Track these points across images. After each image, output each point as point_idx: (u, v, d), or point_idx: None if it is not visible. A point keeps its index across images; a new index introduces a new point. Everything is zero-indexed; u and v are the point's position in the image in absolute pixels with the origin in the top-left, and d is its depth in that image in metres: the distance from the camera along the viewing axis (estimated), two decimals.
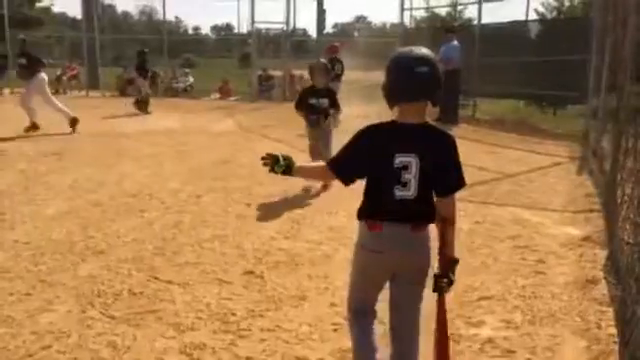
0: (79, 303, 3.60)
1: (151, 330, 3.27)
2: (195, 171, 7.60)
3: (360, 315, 2.59)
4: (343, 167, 2.43)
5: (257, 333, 3.26)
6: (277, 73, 20.28)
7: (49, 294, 3.72)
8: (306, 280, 3.99)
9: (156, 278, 4.00)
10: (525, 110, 14.67)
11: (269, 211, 5.62)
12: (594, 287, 3.87)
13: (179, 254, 4.48)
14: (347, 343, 2.93)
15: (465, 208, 5.84)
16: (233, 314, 3.47)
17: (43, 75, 10.78)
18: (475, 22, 15.02)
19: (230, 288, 3.87)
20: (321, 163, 2.60)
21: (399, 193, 2.30)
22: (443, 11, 18.97)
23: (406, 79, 2.27)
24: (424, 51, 2.31)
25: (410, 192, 2.30)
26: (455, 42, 12.48)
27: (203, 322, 3.37)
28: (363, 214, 2.42)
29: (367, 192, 2.41)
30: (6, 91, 19.12)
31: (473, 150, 9.23)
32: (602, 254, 4.42)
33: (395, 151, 2.29)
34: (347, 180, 2.44)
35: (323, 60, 6.76)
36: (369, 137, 2.37)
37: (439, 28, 15.00)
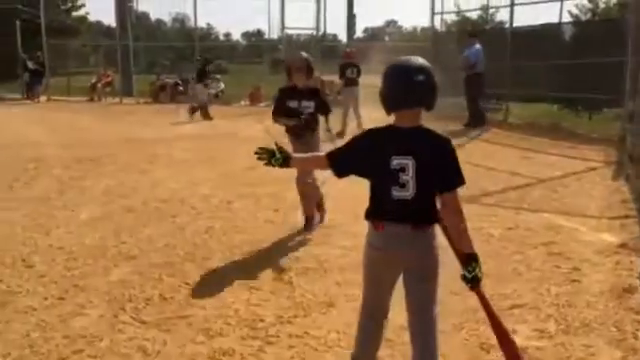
0: (111, 307, 3.65)
1: (181, 335, 3.30)
2: (225, 177, 7.66)
3: (367, 316, 2.67)
4: (340, 161, 2.57)
5: (285, 339, 3.26)
6: None
7: (82, 298, 3.78)
8: (335, 287, 3.98)
9: (187, 283, 4.04)
10: (559, 114, 14.40)
11: (299, 217, 5.62)
12: (631, 296, 3.77)
13: (209, 260, 4.52)
14: None
15: (496, 214, 5.76)
16: (262, 320, 3.48)
17: None
18: (507, 25, 14.80)
19: (259, 294, 3.88)
20: (319, 153, 2.73)
21: (397, 194, 2.40)
22: (474, 14, 18.73)
23: (404, 87, 2.38)
24: (420, 61, 2.42)
25: (408, 193, 2.39)
26: (477, 46, 12.37)
27: (232, 328, 3.39)
28: (369, 214, 2.53)
29: (370, 193, 2.52)
30: (43, 98, 19.61)
31: (505, 155, 9.11)
32: (639, 262, 4.30)
33: (392, 153, 2.40)
34: (340, 174, 2.59)
35: (304, 53, 5.43)
36: (368, 139, 2.51)
37: (478, 31, 14.85)
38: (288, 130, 5.31)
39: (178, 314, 3.57)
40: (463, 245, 2.44)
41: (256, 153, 2.65)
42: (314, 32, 19.97)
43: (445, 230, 2.51)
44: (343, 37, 26.31)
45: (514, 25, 14.08)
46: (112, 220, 5.58)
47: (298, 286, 4.01)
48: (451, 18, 18.88)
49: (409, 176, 2.37)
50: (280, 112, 5.32)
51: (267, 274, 4.23)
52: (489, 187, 6.84)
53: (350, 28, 23.16)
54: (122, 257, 4.55)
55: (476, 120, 12.38)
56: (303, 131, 5.15)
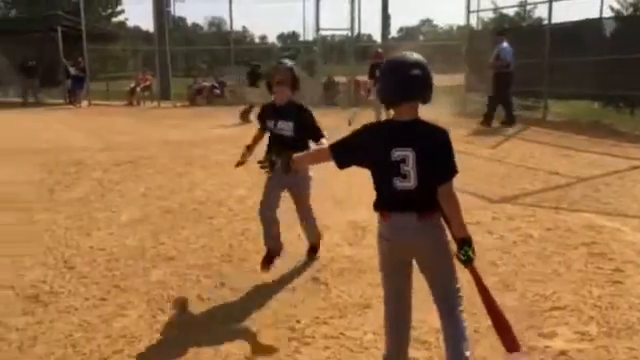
0: (150, 308, 3.72)
1: (218, 336, 3.34)
2: (261, 178, 7.69)
3: (389, 309, 2.74)
4: (342, 152, 2.68)
5: (321, 340, 3.27)
6: (341, 79, 20.34)
7: (122, 299, 3.86)
8: (370, 288, 3.96)
9: (223, 284, 4.09)
10: (600, 111, 14.05)
11: (334, 218, 5.61)
12: None
13: (246, 261, 4.56)
14: (413, 353, 2.89)
15: (535, 214, 5.66)
16: (298, 321, 3.50)
17: None
18: (545, 22, 14.51)
19: (295, 295, 3.90)
20: (320, 146, 2.90)
21: (400, 184, 2.51)
22: (511, 11, 18.45)
23: (401, 82, 2.49)
24: (415, 56, 2.54)
25: (410, 183, 2.50)
26: (505, 44, 12.18)
27: (270, 329, 3.41)
28: (376, 206, 2.65)
29: (375, 186, 2.64)
30: (84, 103, 20.09)
31: (544, 154, 8.93)
32: None
33: (393, 146, 2.50)
34: (342, 164, 2.71)
35: (288, 62, 4.37)
36: (369, 133, 2.61)
37: (506, 29, 14.60)
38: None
39: (215, 315, 3.61)
40: (459, 230, 2.54)
41: (260, 163, 2.92)
42: (348, 33, 19.94)
43: (444, 216, 2.58)
44: (378, 37, 26.25)
45: (553, 21, 13.79)
46: (151, 222, 5.68)
47: (333, 287, 4.01)
48: (487, 16, 18.65)
49: (410, 167, 2.48)
50: (263, 129, 4.49)
51: (303, 275, 4.25)
52: (527, 186, 6.72)
53: (385, 28, 23.09)
54: (161, 258, 4.63)
55: (509, 118, 12.23)
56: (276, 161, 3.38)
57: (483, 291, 2.58)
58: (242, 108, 15.14)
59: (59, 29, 20.94)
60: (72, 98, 20.31)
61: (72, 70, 20.62)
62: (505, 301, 3.42)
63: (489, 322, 2.66)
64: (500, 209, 5.83)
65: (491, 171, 7.53)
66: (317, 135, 4.04)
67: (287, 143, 3.94)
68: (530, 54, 12.97)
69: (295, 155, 2.94)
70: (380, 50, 14.33)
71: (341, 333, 3.34)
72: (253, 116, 14.69)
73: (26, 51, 21.12)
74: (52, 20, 21.90)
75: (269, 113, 4.38)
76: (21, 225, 5.64)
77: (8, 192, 6.86)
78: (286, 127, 4.21)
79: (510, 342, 2.57)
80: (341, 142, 2.70)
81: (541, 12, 16.61)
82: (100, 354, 3.16)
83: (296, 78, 4.32)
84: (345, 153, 2.67)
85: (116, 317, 3.61)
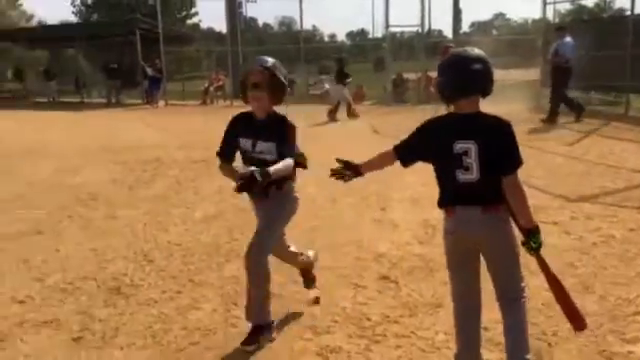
0: (224, 302, 3.82)
1: (289, 331, 3.39)
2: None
3: (458, 307, 2.74)
4: (406, 153, 2.70)
5: (392, 339, 3.25)
6: (411, 76, 20.13)
7: (197, 293, 3.98)
8: (442, 287, 3.90)
9: (294, 281, 4.13)
10: None
11: (404, 215, 5.58)
12: None
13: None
14: (486, 355, 2.84)
15: (617, 214, 5.41)
16: (368, 319, 3.50)
17: None
18: (628, 12, 13.80)
19: (365, 292, 3.90)
20: (385, 151, 2.80)
21: (462, 177, 2.51)
22: (590, 2, 17.68)
23: (463, 77, 2.49)
24: (477, 51, 2.55)
25: (473, 175, 2.49)
26: (568, 39, 11.67)
27: (339, 325, 3.43)
28: (440, 202, 2.66)
29: (438, 181, 2.65)
30: (161, 103, 20.84)
31: (626, 150, 8.49)
32: None
33: (454, 138, 2.50)
34: (406, 164, 2.74)
35: (269, 59, 3.22)
36: (431, 126, 2.63)
37: (585, 21, 14.00)
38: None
39: (286, 310, 3.67)
40: (526, 221, 2.51)
41: (333, 172, 2.96)
42: (419, 29, 19.69)
43: (509, 207, 2.54)
44: (448, 33, 25.81)
45: (636, 12, 13.10)
46: (224, 218, 5.82)
47: (404, 285, 3.99)
48: (565, 7, 17.96)
49: (472, 159, 2.47)
50: (226, 155, 3.36)
51: (373, 273, 4.24)
52: (608, 185, 6.42)
53: (456, 23, 22.66)
54: (234, 254, 4.73)
55: (574, 110, 11.84)
56: (253, 186, 2.91)
57: (548, 275, 2.57)
58: (329, 109, 15.05)
59: (137, 32, 21.82)
60: (149, 98, 21.13)
61: (149, 71, 21.45)
62: (585, 304, 3.30)
63: (568, 325, 2.58)
64: (578, 208, 5.61)
65: (569, 169, 7.22)
66: (289, 152, 3.16)
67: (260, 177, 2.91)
68: (611, 46, 12.39)
69: (363, 165, 2.93)
70: (450, 45, 14.01)
71: (412, 332, 3.32)
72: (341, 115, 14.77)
73: (108, 54, 22.20)
74: (132, 24, 22.88)
75: (243, 129, 3.27)
76: (104, 220, 5.92)
77: (93, 191, 7.21)
78: (267, 149, 3.18)
79: (578, 322, 2.59)
80: (404, 142, 2.72)
81: (622, 2, 15.83)
82: (177, 345, 3.28)
83: (279, 81, 3.18)
84: (409, 153, 2.70)
85: (191, 310, 3.73)
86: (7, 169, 8.86)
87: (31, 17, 56.88)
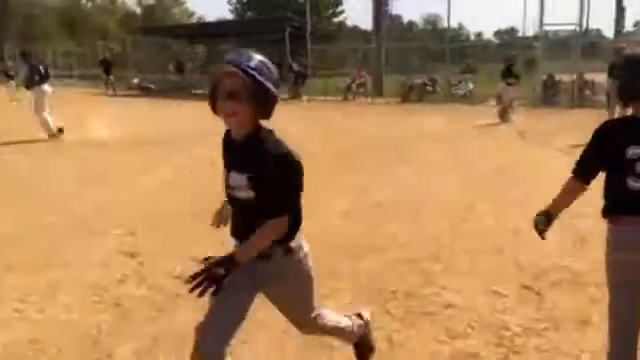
0: (359, 296, 3.87)
1: (424, 332, 3.36)
2: (471, 178, 7.55)
3: (615, 333, 2.43)
4: (584, 171, 2.44)
5: (532, 352, 3.11)
6: (563, 77, 18.97)
7: (332, 285, 4.05)
8: (589, 303, 3.66)
9: (430, 282, 4.09)
10: None
11: (554, 225, 5.28)
12: None
13: (454, 261, 4.51)
14: None
15: None
16: (507, 328, 3.37)
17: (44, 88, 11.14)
18: None
19: (505, 301, 3.76)
20: (565, 184, 2.53)
21: (634, 184, 2.29)
22: None
23: None
24: None
25: None
26: None
27: (476, 331, 3.35)
28: (606, 211, 2.42)
29: (605, 187, 2.42)
30: (305, 98, 21.56)
31: None
32: None
33: (628, 143, 2.28)
34: (588, 182, 2.46)
35: (256, 55, 2.19)
36: (604, 130, 2.39)
37: None
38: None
39: (422, 310, 3.64)
40: None
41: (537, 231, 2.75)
42: (576, 27, 18.47)
43: None
44: (607, 32, 23.94)
45: None
46: (361, 214, 5.89)
47: (548, 298, 3.79)
48: None
49: None
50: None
51: (514, 282, 4.07)
52: None
53: (619, 22, 20.98)
54: (370, 250, 4.78)
55: None
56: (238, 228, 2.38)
57: None
58: (499, 109, 14.58)
59: (287, 29, 22.73)
60: (294, 93, 21.93)
61: (295, 67, 22.26)
62: None
63: None
64: None
65: None
66: (282, 207, 2.30)
67: (247, 214, 2.25)
68: None
69: (553, 205, 2.71)
70: (623, 45, 12.88)
71: (555, 347, 3.15)
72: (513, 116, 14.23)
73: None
74: (282, 22, 23.85)
75: (225, 154, 2.39)
76: None
77: None
78: (239, 184, 2.23)
79: None
80: (579, 161, 2.46)
81: None
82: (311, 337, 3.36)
83: (263, 88, 2.17)
84: (587, 170, 2.44)
85: (327, 300, 3.81)
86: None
87: (192, 14, 61.33)
